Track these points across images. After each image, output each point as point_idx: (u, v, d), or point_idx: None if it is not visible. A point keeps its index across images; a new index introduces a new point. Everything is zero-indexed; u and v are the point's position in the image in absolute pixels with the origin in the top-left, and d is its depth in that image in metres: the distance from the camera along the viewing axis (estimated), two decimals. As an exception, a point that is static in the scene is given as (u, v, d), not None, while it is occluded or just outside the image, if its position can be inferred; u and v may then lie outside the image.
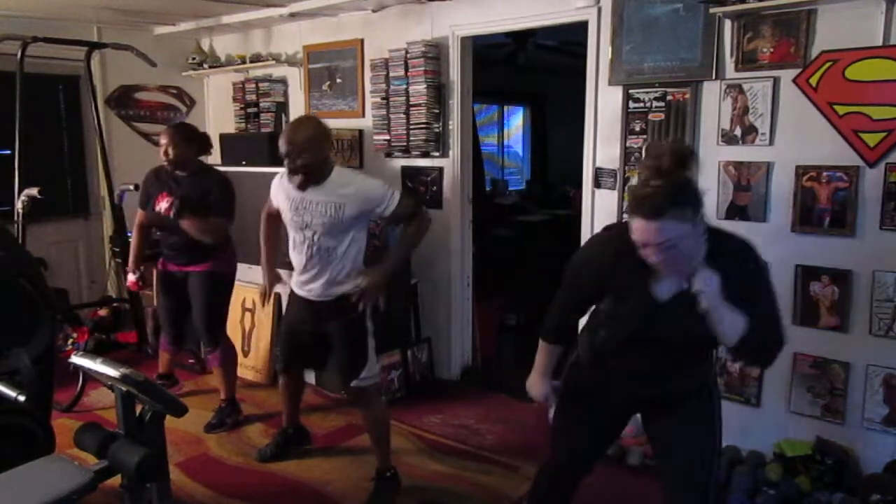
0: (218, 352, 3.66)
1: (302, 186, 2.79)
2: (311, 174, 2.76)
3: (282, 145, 2.74)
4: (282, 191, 2.94)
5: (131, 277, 3.75)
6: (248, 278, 4.16)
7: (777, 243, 3.09)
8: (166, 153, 3.43)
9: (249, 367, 4.44)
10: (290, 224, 2.91)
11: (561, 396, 2.26)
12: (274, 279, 3.22)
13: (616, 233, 2.02)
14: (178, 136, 3.45)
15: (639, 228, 1.77)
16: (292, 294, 3.05)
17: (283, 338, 3.17)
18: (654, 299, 1.93)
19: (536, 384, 2.26)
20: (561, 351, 2.25)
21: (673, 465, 2.10)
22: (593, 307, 2.15)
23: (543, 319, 2.24)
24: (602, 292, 2.06)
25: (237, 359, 3.88)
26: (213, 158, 5.54)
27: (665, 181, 1.76)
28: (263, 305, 3.46)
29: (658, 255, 1.77)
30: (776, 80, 3.02)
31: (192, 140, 3.49)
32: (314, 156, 2.73)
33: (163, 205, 3.44)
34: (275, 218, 3.09)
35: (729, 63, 3.14)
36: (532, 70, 7.38)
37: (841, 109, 2.86)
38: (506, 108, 9.13)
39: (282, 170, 2.92)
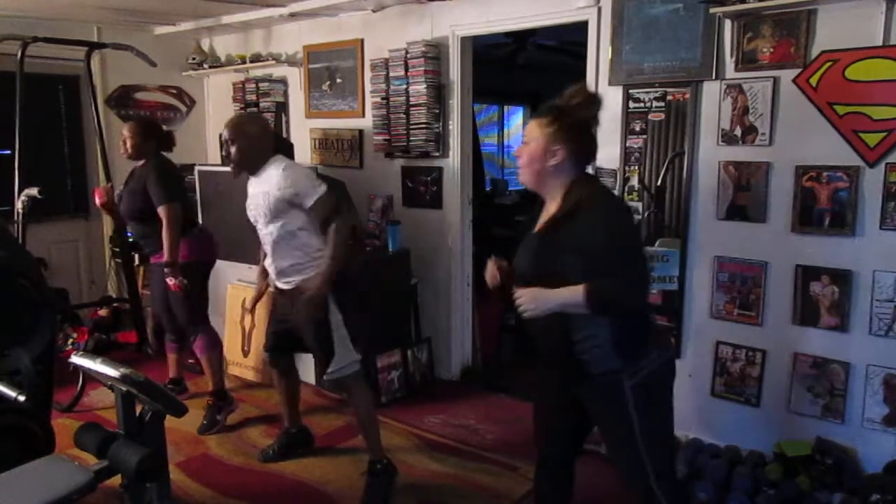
0: (199, 339, 3.71)
1: (235, 174, 3.03)
2: (241, 163, 2.98)
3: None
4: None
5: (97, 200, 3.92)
6: (249, 279, 4.16)
7: (777, 243, 3.09)
8: (123, 143, 3.62)
9: (249, 367, 4.43)
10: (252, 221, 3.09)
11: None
12: (262, 284, 3.31)
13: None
14: (134, 130, 3.63)
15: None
16: (274, 286, 3.18)
17: (269, 326, 3.31)
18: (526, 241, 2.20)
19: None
20: None
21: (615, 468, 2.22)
22: None
23: None
24: None
25: (221, 347, 3.91)
26: (213, 159, 5.60)
27: (564, 107, 2.12)
28: (251, 310, 3.51)
29: (521, 149, 2.14)
30: (776, 80, 3.01)
31: (147, 134, 3.64)
32: (243, 145, 2.94)
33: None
34: None
35: (729, 63, 3.14)
36: (532, 70, 7.38)
37: (841, 109, 2.86)
38: (506, 108, 9.13)
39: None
